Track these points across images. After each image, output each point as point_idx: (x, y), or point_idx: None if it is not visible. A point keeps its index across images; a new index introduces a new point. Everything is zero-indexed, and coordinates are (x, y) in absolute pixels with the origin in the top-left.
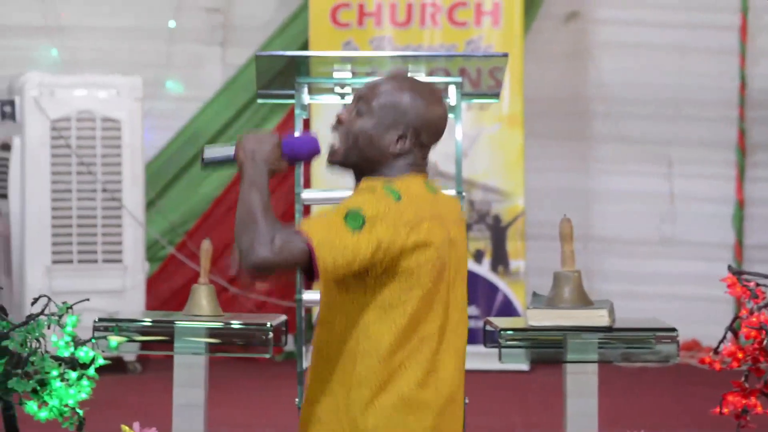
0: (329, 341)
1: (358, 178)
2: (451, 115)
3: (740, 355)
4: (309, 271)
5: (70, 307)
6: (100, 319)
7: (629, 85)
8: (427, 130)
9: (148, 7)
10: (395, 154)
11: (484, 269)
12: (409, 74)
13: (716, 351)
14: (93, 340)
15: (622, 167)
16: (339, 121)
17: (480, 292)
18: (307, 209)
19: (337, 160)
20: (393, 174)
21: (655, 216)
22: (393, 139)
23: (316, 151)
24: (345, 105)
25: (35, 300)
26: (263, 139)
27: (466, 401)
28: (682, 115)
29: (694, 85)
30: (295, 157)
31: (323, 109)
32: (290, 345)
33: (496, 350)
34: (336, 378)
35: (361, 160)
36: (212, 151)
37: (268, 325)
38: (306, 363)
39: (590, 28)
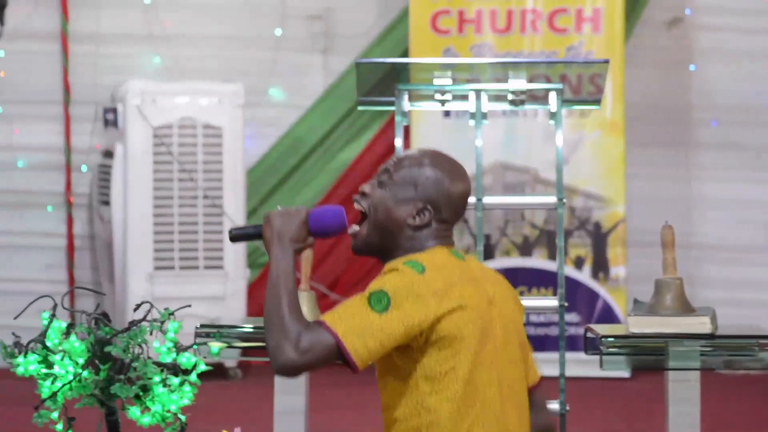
0: (396, 422)
1: (382, 261)
2: (551, 122)
3: None
4: (347, 363)
5: (172, 314)
6: (202, 326)
7: (732, 91)
8: (447, 206)
9: (250, 15)
10: (414, 226)
11: (584, 276)
12: (437, 150)
13: None
14: (195, 346)
15: (724, 174)
16: (363, 194)
17: (580, 298)
18: None
19: (360, 242)
20: (415, 248)
21: (758, 223)
22: (411, 212)
23: (342, 226)
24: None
25: (137, 306)
26: (291, 215)
27: (567, 408)
28: None
29: None
30: (322, 232)
31: (423, 116)
32: None
33: (597, 357)
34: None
35: (382, 237)
36: (241, 228)
37: None
38: None
39: (693, 34)
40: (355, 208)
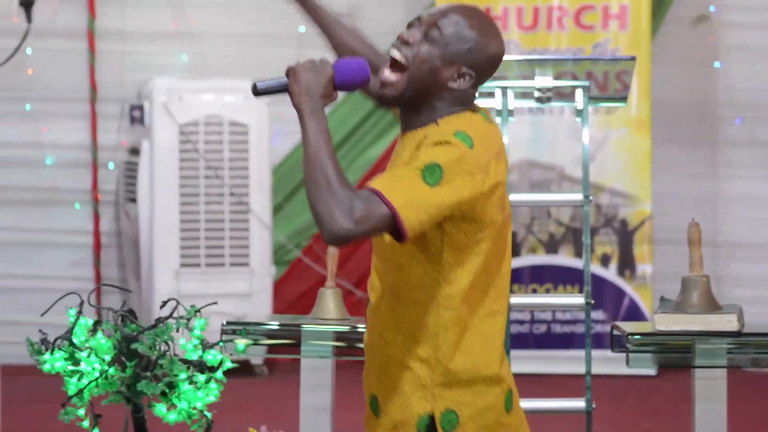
0: (408, 286)
1: (407, 115)
2: (578, 119)
3: None
4: (394, 232)
5: (199, 311)
6: (228, 323)
7: (759, 89)
8: (487, 72)
9: (277, 12)
10: (451, 89)
11: (610, 273)
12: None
13: None
14: (221, 344)
15: (752, 172)
16: (405, 42)
17: (606, 296)
18: None
19: (391, 92)
20: (447, 110)
21: None
22: (453, 74)
23: (367, 79)
24: (407, 28)
25: (164, 303)
26: (318, 69)
27: (593, 406)
28: None
29: None
30: (346, 85)
31: None
32: None
33: (623, 355)
34: (420, 323)
35: (416, 91)
36: (266, 81)
37: None
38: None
39: (720, 31)
40: (392, 55)
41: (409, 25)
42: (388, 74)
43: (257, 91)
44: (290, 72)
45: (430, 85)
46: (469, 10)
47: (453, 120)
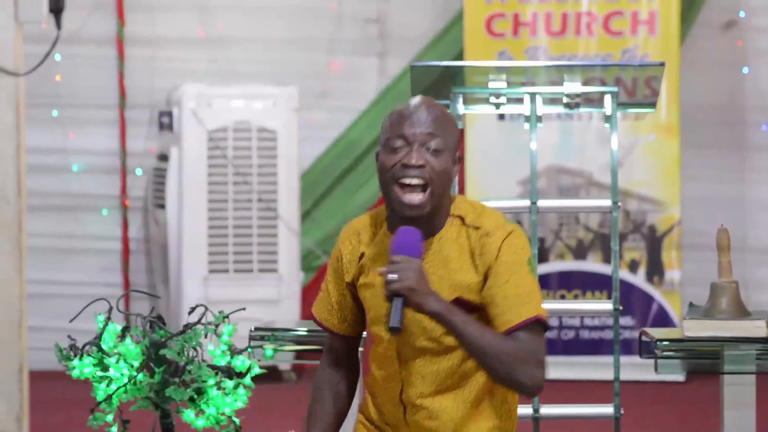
0: (478, 369)
1: (426, 222)
2: (606, 125)
3: None
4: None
5: (227, 317)
6: (256, 329)
7: None
8: None
9: (306, 18)
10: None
11: (639, 279)
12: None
13: None
14: (249, 349)
15: None
16: (420, 167)
17: (635, 302)
18: None
19: (422, 211)
20: (449, 197)
21: None
22: (456, 164)
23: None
24: (398, 149)
25: (192, 309)
26: (410, 268)
27: (621, 412)
28: None
29: None
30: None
31: (477, 119)
32: None
33: (651, 361)
34: (492, 404)
35: (438, 200)
36: (394, 318)
37: None
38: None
39: (748, 36)
40: (412, 183)
41: (395, 149)
42: (412, 198)
43: (398, 329)
44: (396, 289)
45: (446, 187)
46: (429, 98)
47: (471, 205)
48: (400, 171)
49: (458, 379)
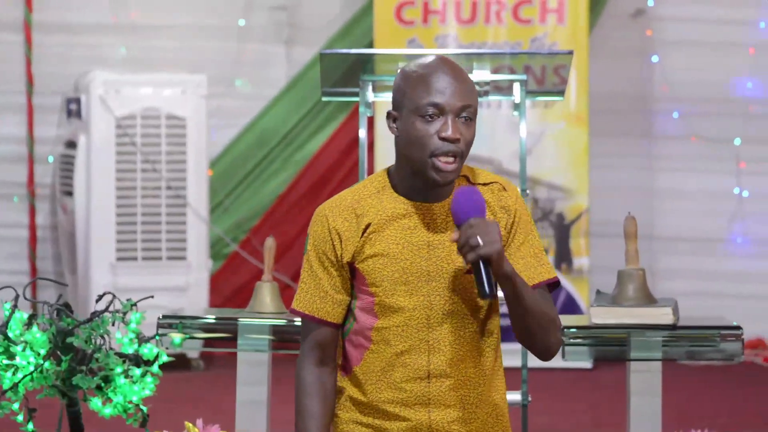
0: (493, 344)
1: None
2: (515, 113)
3: None
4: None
5: (135, 304)
6: (164, 316)
7: (695, 82)
8: None
9: (215, 6)
10: None
11: None
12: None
13: None
14: (157, 337)
15: (688, 165)
16: (457, 140)
17: None
18: None
19: (454, 177)
20: None
21: (721, 214)
22: None
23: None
24: (449, 119)
25: (100, 297)
26: (496, 232)
27: (529, 399)
28: (750, 114)
29: (765, 84)
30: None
31: (387, 107)
32: None
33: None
34: (501, 373)
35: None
36: (486, 284)
37: None
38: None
39: (656, 25)
40: (451, 151)
41: (428, 117)
42: (447, 167)
43: (492, 293)
44: (486, 254)
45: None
46: (451, 60)
47: (483, 171)
48: (437, 144)
49: (477, 345)
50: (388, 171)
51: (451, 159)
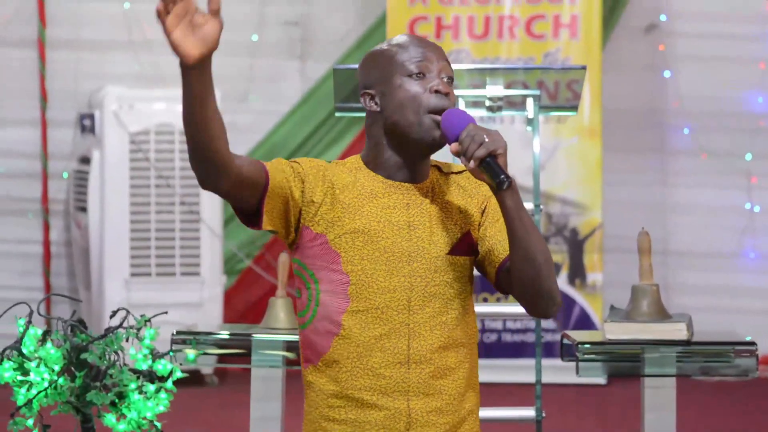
0: (472, 338)
1: (424, 162)
2: (528, 128)
3: None
4: None
5: (149, 320)
6: (178, 332)
7: (708, 98)
8: None
9: (228, 21)
10: None
11: (561, 282)
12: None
13: None
14: (171, 353)
15: (701, 180)
16: (449, 94)
17: None
18: None
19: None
20: None
21: (734, 229)
22: None
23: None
24: (435, 76)
25: (114, 313)
26: (496, 132)
27: (543, 415)
28: (763, 128)
29: None
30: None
31: None
32: None
33: (573, 363)
34: (475, 372)
35: None
36: (500, 173)
37: None
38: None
39: (670, 40)
40: (445, 105)
41: (416, 77)
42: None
43: (510, 179)
44: (494, 150)
45: None
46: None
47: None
48: (431, 98)
49: (458, 337)
50: (360, 155)
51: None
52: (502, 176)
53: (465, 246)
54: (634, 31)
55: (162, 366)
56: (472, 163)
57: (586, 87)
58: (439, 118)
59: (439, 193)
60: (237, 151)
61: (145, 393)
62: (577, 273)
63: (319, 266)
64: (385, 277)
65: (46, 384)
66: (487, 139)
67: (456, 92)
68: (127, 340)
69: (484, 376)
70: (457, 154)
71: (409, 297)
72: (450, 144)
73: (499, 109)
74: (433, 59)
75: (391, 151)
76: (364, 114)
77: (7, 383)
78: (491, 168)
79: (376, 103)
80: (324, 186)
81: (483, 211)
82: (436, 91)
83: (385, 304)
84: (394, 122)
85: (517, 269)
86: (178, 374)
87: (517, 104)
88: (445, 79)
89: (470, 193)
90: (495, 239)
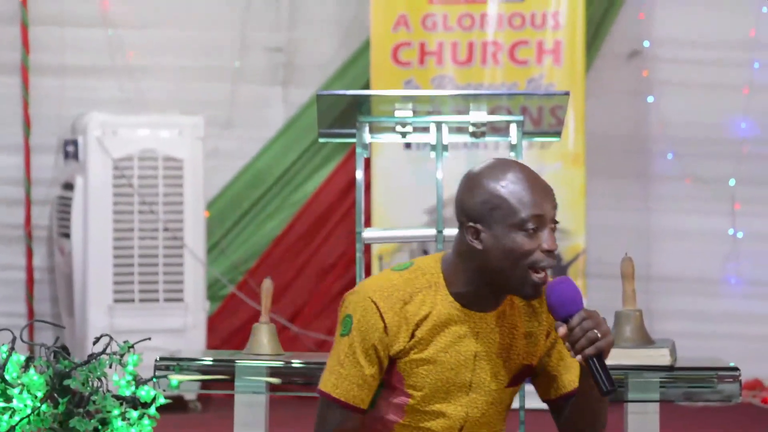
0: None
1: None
2: (512, 154)
3: None
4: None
5: (132, 346)
6: (161, 358)
7: (692, 123)
8: None
9: (211, 48)
10: None
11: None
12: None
13: None
14: (154, 379)
15: (684, 206)
16: (552, 252)
17: None
18: (367, 248)
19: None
20: None
21: (718, 255)
22: None
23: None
24: (547, 230)
25: (97, 339)
26: (606, 322)
27: None
28: (747, 154)
29: (759, 124)
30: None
31: (384, 148)
32: None
33: None
34: None
35: None
36: (608, 380)
37: None
38: None
39: (653, 65)
40: (550, 264)
41: (529, 230)
42: (543, 278)
43: (615, 387)
44: (605, 348)
45: None
46: (520, 162)
47: None
48: (540, 257)
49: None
50: (441, 265)
51: (546, 272)
52: (606, 387)
53: (524, 376)
54: (617, 57)
55: (145, 392)
56: (578, 357)
57: (570, 112)
58: (541, 276)
59: (509, 316)
60: (221, 178)
61: (129, 419)
62: None
63: (387, 377)
64: (442, 404)
65: (29, 410)
66: (598, 335)
67: (439, 118)
68: (110, 367)
69: None
70: (563, 338)
71: (462, 425)
72: (556, 320)
73: (483, 134)
74: (547, 209)
75: (480, 286)
76: (346, 139)
77: None
78: (596, 371)
79: (480, 241)
80: (407, 333)
81: (548, 334)
82: (546, 251)
83: (438, 427)
84: (495, 269)
85: (573, 421)
86: (162, 400)
87: (501, 130)
88: (554, 228)
89: (537, 313)
90: (563, 366)
